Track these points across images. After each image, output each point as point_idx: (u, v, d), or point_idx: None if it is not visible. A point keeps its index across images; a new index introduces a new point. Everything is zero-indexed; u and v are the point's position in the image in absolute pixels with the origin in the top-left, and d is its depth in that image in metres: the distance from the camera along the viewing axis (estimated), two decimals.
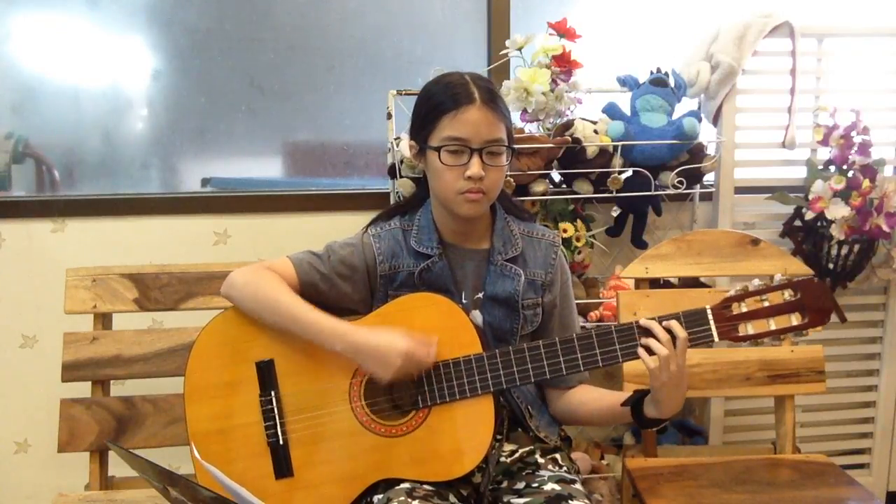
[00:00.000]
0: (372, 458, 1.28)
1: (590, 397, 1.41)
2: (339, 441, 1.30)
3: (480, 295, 1.39)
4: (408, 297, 1.34)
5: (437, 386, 1.28)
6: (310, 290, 1.38)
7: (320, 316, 1.29)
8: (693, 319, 1.26)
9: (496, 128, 1.31)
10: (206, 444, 1.31)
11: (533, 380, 1.30)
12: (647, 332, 1.25)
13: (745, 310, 1.26)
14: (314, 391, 1.32)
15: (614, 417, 1.38)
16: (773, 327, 1.25)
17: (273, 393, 1.33)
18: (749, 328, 1.26)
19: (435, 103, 1.32)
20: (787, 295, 1.25)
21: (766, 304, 1.26)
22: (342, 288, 1.39)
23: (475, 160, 1.29)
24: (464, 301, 1.39)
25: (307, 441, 1.31)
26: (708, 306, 1.26)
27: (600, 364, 1.28)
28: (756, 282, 1.27)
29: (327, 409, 1.31)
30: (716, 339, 1.25)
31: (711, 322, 1.25)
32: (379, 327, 1.28)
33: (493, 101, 1.31)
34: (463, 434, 1.27)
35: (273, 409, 1.32)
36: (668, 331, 1.24)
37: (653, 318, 1.26)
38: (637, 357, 1.25)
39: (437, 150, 1.31)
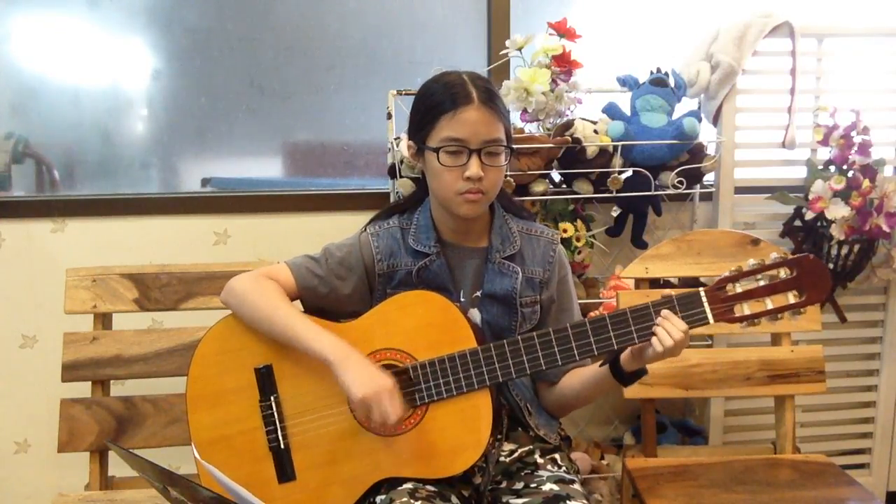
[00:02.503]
0: (372, 459, 1.28)
1: (572, 376, 1.41)
2: (339, 443, 1.30)
3: (479, 293, 1.39)
4: (402, 295, 1.34)
5: (433, 383, 1.28)
6: (309, 295, 1.38)
7: (315, 329, 1.28)
8: (686, 303, 1.24)
9: (494, 128, 1.30)
10: (211, 451, 1.32)
11: (528, 371, 1.28)
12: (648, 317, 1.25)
13: (740, 290, 1.23)
14: (313, 394, 1.32)
15: (597, 385, 1.36)
16: (770, 307, 1.22)
17: (273, 398, 1.33)
18: (745, 308, 1.23)
19: (433, 103, 1.31)
20: (784, 273, 1.22)
21: (763, 283, 1.23)
22: (342, 290, 1.39)
23: (474, 161, 1.29)
24: (462, 299, 1.39)
25: (308, 444, 1.31)
26: (701, 289, 1.24)
27: (595, 352, 1.27)
28: (751, 261, 1.24)
29: (326, 410, 1.31)
30: (711, 321, 1.23)
31: (706, 304, 1.24)
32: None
33: (491, 100, 1.30)
34: (462, 430, 1.27)
35: (273, 413, 1.32)
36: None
37: (646, 304, 1.25)
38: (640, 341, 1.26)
39: (436, 150, 1.30)
